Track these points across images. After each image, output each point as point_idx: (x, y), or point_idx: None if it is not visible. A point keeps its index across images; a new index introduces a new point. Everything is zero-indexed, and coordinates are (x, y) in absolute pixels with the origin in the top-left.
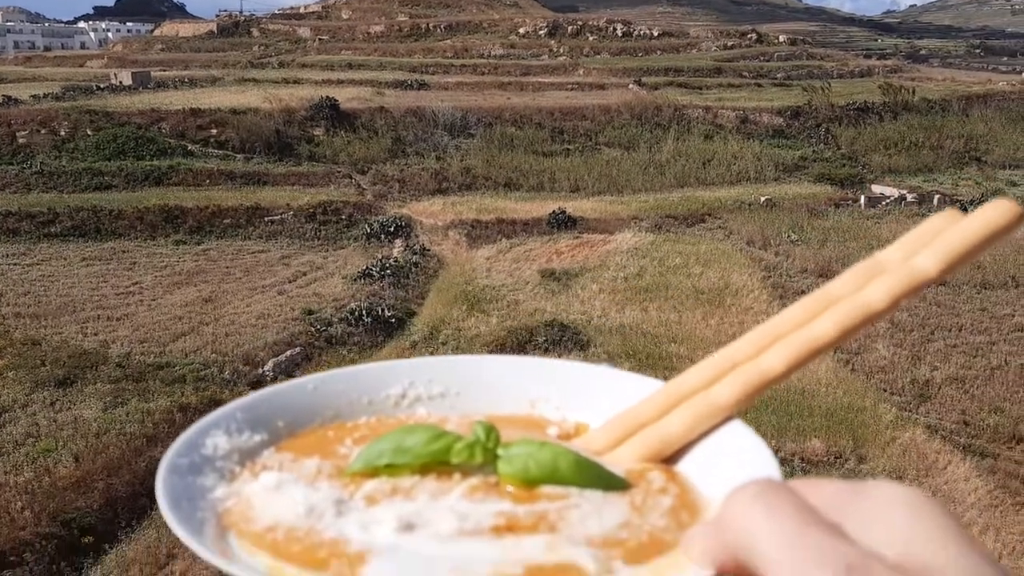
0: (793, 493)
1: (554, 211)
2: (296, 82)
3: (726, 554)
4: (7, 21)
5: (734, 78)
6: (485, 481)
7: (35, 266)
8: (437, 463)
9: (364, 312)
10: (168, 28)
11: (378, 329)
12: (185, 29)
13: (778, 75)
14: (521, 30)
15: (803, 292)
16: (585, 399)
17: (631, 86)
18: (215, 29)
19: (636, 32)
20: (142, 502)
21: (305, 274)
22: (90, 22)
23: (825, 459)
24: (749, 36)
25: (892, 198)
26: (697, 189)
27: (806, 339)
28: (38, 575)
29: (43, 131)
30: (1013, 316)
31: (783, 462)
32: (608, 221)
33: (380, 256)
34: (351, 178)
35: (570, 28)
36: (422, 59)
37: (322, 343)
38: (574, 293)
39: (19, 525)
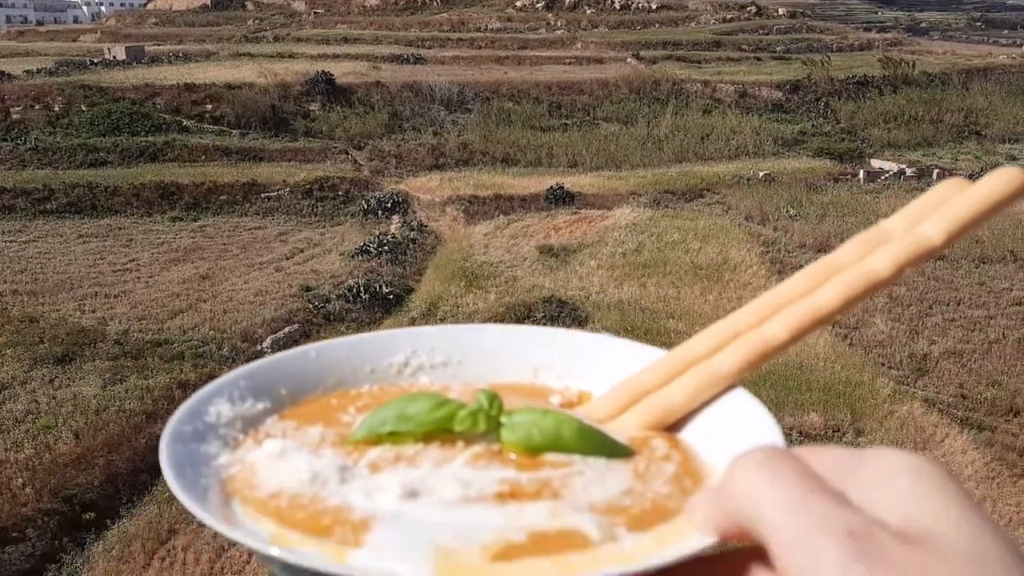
0: (797, 460)
1: (552, 187)
2: (291, 56)
3: (729, 521)
4: None
5: (733, 52)
6: (488, 449)
7: (31, 243)
8: (440, 431)
9: (362, 289)
10: (161, 1)
11: (376, 306)
12: (179, 2)
13: (777, 48)
14: (518, 3)
15: (801, 267)
16: (588, 367)
17: (629, 60)
18: (209, 2)
19: (634, 5)
20: (143, 478)
21: (302, 251)
22: None
23: (823, 433)
24: (748, 9)
25: (891, 173)
26: (695, 164)
27: (809, 308)
28: (40, 551)
29: (37, 107)
30: (1011, 290)
31: None
32: (606, 196)
33: (377, 232)
34: (347, 154)
35: (567, 1)
36: (418, 33)
37: (320, 320)
38: (572, 269)
39: (21, 501)
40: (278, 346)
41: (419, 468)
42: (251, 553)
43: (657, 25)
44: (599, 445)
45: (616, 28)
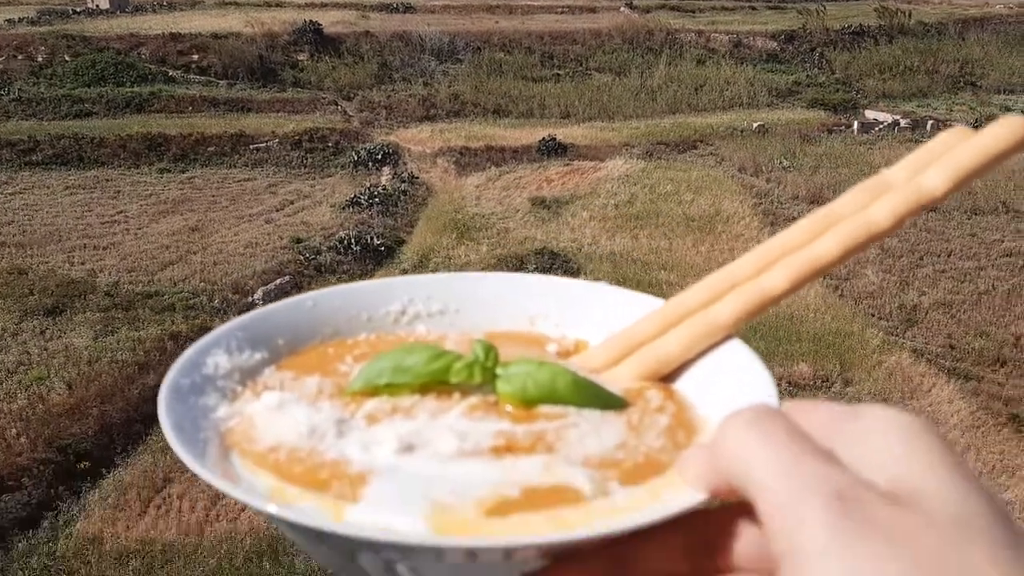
0: (788, 420)
1: (544, 138)
2: (278, 5)
3: (720, 479)
4: None
5: (728, 0)
6: (484, 400)
7: (17, 195)
8: (437, 382)
9: (353, 240)
10: None
11: (367, 257)
12: None
13: None
14: None
15: (794, 219)
16: (584, 316)
17: (622, 9)
18: None
19: None
20: (137, 428)
21: (292, 202)
22: None
23: (812, 383)
24: None
25: (885, 124)
26: (689, 115)
27: (808, 258)
28: (37, 499)
29: (20, 57)
30: (1002, 241)
31: None
32: (599, 148)
33: (368, 184)
34: (337, 105)
35: None
36: None
37: (311, 272)
38: (564, 221)
39: (16, 451)
40: (269, 298)
41: (415, 420)
42: None
43: None
44: (594, 397)
45: None
